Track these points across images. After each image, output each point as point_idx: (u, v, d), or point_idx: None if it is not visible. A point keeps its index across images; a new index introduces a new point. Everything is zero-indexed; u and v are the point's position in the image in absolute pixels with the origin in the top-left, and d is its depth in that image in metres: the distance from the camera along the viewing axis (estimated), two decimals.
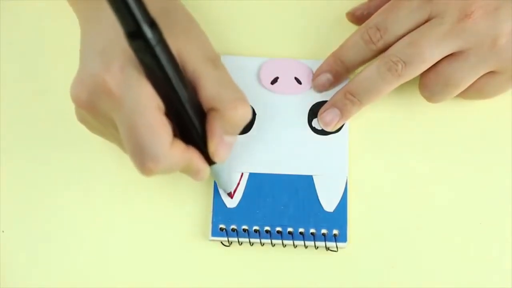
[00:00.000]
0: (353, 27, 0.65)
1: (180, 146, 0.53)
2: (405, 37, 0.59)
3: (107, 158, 0.63)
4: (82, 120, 0.57)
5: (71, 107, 0.56)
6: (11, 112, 0.65)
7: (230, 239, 0.61)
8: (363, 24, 0.61)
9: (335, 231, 0.60)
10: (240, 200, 0.61)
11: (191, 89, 0.53)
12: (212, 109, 0.53)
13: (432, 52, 0.58)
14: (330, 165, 0.62)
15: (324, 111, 0.62)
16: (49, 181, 0.63)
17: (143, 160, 0.52)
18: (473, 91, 0.61)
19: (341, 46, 0.62)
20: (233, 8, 0.66)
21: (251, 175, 0.62)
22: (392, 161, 0.63)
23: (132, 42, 0.48)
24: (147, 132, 0.51)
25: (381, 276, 0.61)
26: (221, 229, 0.60)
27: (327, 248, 0.61)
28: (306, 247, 0.61)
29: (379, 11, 0.61)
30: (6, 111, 0.65)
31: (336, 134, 0.63)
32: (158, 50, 0.49)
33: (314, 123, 0.63)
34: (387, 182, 0.62)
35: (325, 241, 0.60)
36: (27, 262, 0.62)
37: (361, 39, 0.61)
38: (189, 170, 0.56)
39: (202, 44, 0.55)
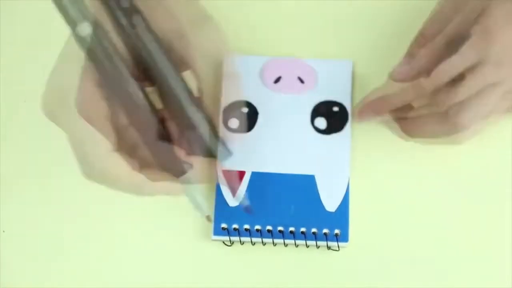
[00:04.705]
0: (353, 27, 0.65)
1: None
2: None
3: None
4: None
5: None
6: (11, 112, 0.65)
7: (232, 238, 0.60)
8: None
9: (336, 231, 0.60)
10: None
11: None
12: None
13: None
14: (332, 165, 0.62)
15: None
16: (49, 180, 0.63)
17: None
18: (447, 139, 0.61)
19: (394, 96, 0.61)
20: (236, 7, 0.66)
21: (253, 174, 0.62)
22: (394, 161, 0.63)
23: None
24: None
25: (382, 275, 0.61)
26: (223, 228, 0.60)
27: (329, 248, 0.61)
28: (307, 246, 0.61)
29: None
30: (6, 110, 0.65)
31: (339, 134, 0.63)
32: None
33: (317, 122, 0.63)
34: (388, 182, 0.62)
35: (326, 240, 0.60)
36: (27, 262, 0.61)
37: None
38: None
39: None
